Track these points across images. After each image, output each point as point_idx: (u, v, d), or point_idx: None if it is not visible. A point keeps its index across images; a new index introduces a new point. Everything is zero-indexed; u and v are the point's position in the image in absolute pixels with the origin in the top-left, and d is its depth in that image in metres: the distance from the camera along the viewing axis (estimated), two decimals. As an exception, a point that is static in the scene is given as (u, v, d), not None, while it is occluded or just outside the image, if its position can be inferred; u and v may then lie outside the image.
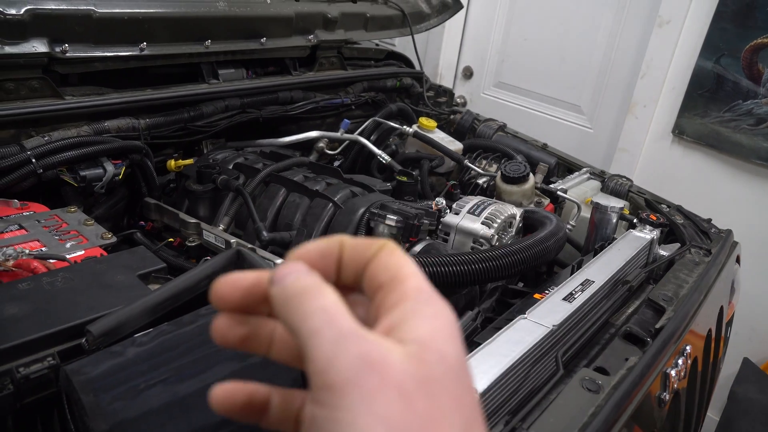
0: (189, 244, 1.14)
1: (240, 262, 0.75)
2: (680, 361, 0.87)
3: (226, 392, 0.35)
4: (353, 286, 0.35)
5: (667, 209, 1.43)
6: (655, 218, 1.23)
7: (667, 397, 0.82)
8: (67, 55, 1.12)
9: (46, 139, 1.06)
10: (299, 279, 0.31)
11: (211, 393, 0.35)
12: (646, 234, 1.18)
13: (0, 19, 1.00)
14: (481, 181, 1.43)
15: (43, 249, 0.85)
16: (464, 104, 2.02)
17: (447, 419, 0.27)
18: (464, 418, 0.27)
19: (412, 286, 0.31)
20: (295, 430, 0.35)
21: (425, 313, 0.30)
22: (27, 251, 0.80)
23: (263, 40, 1.47)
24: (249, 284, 0.34)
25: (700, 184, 2.19)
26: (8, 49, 1.03)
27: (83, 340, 0.64)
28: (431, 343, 0.28)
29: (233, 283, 0.34)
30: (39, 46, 1.07)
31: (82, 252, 0.87)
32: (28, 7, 1.03)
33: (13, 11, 1.01)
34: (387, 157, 1.46)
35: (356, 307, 0.35)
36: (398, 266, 0.32)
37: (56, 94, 1.12)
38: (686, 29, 2.13)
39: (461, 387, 0.28)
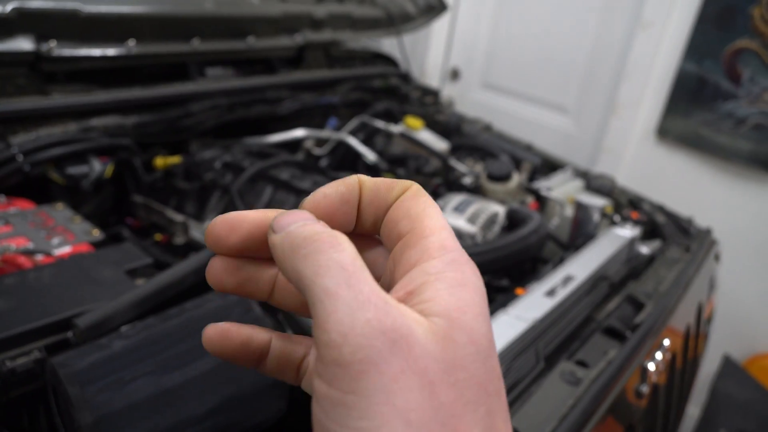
0: (176, 242, 1.14)
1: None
2: (658, 356, 0.89)
3: (220, 332, 0.31)
4: (371, 233, 0.31)
5: (649, 208, 1.45)
6: (636, 216, 1.25)
7: (646, 390, 0.84)
8: (54, 53, 1.12)
9: (32, 136, 1.06)
10: (306, 226, 0.26)
11: (204, 333, 0.31)
12: (627, 232, 1.20)
13: (-14, 17, 1.00)
14: (466, 180, 1.45)
15: (30, 245, 0.85)
16: (451, 104, 2.03)
17: (470, 412, 0.23)
18: (488, 408, 0.24)
19: (435, 242, 0.27)
20: (296, 378, 0.33)
21: (451, 280, 0.26)
22: (13, 247, 0.81)
23: (250, 39, 1.48)
24: (250, 227, 0.30)
25: (683, 184, 2.22)
26: (-6, 47, 1.03)
27: (70, 334, 0.65)
28: (460, 320, 0.24)
29: (232, 223, 0.30)
30: (25, 44, 1.07)
31: (69, 248, 0.87)
32: (15, 4, 1.03)
33: (-1, 9, 1.02)
34: (373, 157, 1.47)
35: (374, 263, 0.31)
36: (422, 215, 0.28)
37: (43, 91, 1.12)
38: (669, 32, 2.17)
39: (488, 373, 0.25)
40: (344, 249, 0.25)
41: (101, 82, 1.25)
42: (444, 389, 0.23)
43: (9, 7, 1.02)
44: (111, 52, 1.22)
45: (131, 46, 1.25)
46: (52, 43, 1.12)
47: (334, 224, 0.29)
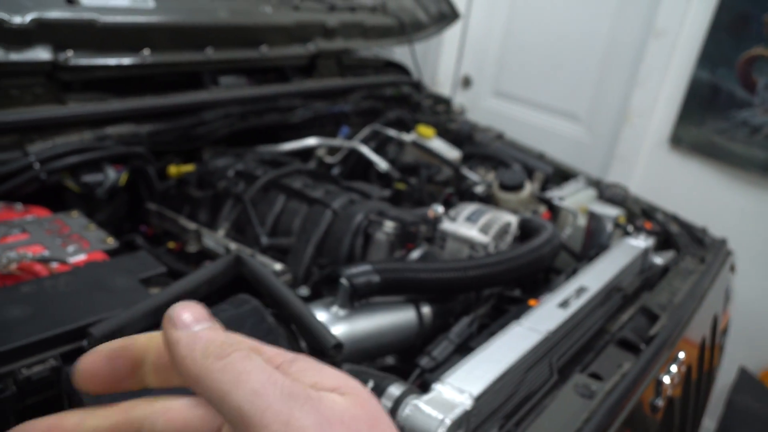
0: (189, 250, 1.15)
1: (239, 267, 0.76)
2: (674, 368, 0.88)
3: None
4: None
5: (663, 218, 1.44)
6: (650, 226, 1.24)
7: (661, 404, 0.83)
8: (71, 62, 1.14)
9: (49, 144, 1.07)
10: (213, 332, 0.28)
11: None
12: (640, 242, 1.19)
13: (5, 28, 1.02)
14: (478, 189, 1.44)
15: (46, 253, 0.86)
16: (462, 113, 2.03)
17: None
18: None
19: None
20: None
21: (317, 366, 0.29)
22: (30, 255, 0.82)
23: (263, 48, 1.49)
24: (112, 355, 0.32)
25: (697, 193, 2.20)
26: (13, 57, 1.04)
27: (85, 343, 0.65)
28: (355, 386, 0.29)
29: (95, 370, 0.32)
30: (43, 54, 1.09)
31: (85, 256, 0.88)
32: (34, 15, 1.05)
33: (18, 19, 1.03)
34: (385, 165, 1.48)
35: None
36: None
37: (59, 100, 1.14)
38: (682, 39, 2.16)
39: (389, 422, 0.29)
40: (257, 353, 0.28)
41: (116, 91, 1.26)
42: None
43: (28, 18, 1.04)
44: (126, 61, 1.23)
45: (146, 55, 1.26)
46: (69, 53, 1.13)
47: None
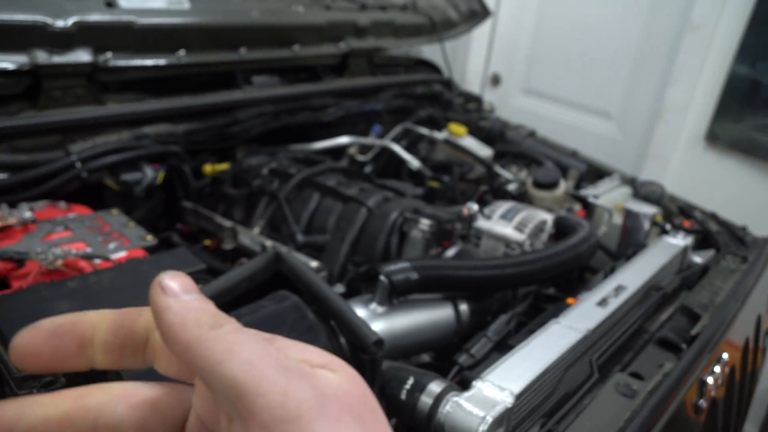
0: (225, 247, 1.16)
1: (279, 264, 0.76)
2: (717, 369, 0.86)
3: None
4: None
5: (701, 216, 1.41)
6: (688, 225, 1.21)
7: (704, 405, 0.81)
8: (110, 63, 1.16)
9: (89, 144, 1.10)
10: (205, 303, 0.28)
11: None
12: (679, 240, 1.17)
13: (49, 31, 1.04)
14: (511, 187, 1.43)
15: (88, 250, 0.88)
16: (492, 111, 2.02)
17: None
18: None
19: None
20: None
21: (300, 345, 0.29)
22: (74, 251, 0.84)
23: (295, 47, 1.50)
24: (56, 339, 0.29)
25: (735, 191, 2.15)
26: (56, 59, 1.07)
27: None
28: (343, 364, 0.28)
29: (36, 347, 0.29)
30: (84, 56, 1.11)
31: (125, 253, 0.89)
32: (75, 18, 1.07)
33: (61, 23, 1.06)
34: (417, 163, 1.47)
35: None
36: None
37: (99, 101, 1.16)
38: (719, 34, 2.10)
39: (376, 401, 0.28)
40: (237, 323, 0.27)
41: (153, 92, 1.29)
42: (370, 420, 0.26)
43: (70, 21, 1.06)
44: (162, 61, 1.25)
45: (181, 55, 1.28)
46: (108, 55, 1.16)
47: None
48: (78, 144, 1.10)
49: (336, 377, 0.27)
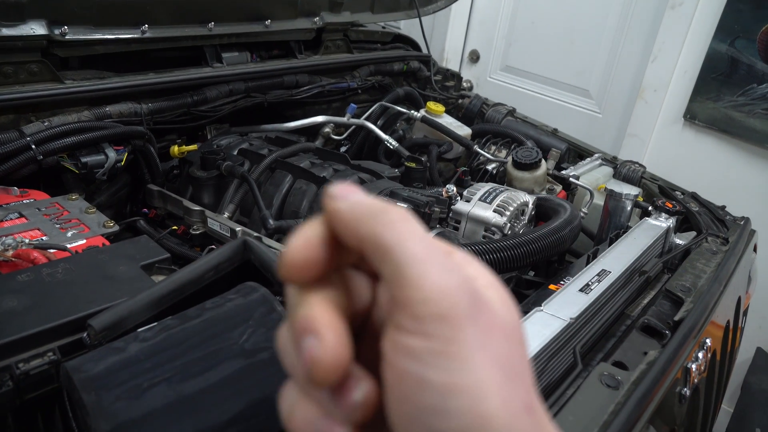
0: (193, 232, 1.11)
1: (247, 252, 0.72)
2: (700, 355, 0.85)
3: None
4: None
5: (682, 196, 1.39)
6: (670, 206, 1.19)
7: (688, 393, 0.80)
8: (67, 37, 1.09)
9: (45, 124, 1.03)
10: (370, 198, 0.27)
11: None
12: (662, 222, 1.15)
13: (-3, 0, 0.97)
14: (490, 167, 1.40)
15: (44, 238, 0.82)
16: (471, 88, 1.97)
17: (527, 368, 0.27)
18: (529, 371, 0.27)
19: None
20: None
21: (472, 260, 0.29)
22: (27, 240, 0.78)
23: (268, 22, 1.43)
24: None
25: (712, 169, 2.15)
26: (6, 32, 1.00)
27: (84, 335, 0.62)
28: (506, 295, 0.28)
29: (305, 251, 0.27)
30: (37, 29, 1.04)
31: (84, 241, 0.84)
32: (26, -13, 1.00)
33: (10, -8, 0.98)
34: (394, 143, 1.43)
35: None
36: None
37: (56, 78, 1.09)
38: (699, 11, 2.08)
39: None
40: (418, 222, 0.27)
41: (115, 68, 1.21)
42: (515, 344, 0.26)
43: (20, -10, 0.99)
44: (125, 36, 1.18)
45: (146, 29, 1.21)
46: (65, 28, 1.08)
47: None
48: (33, 124, 1.03)
49: (496, 296, 0.27)
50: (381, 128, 1.49)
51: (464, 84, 1.95)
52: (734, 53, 1.98)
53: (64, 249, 0.79)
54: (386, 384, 0.26)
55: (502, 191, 1.10)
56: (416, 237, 0.25)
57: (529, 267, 1.08)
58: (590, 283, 0.89)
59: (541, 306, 0.80)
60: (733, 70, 2.00)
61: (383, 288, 0.29)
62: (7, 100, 1.01)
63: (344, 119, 1.50)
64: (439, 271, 0.25)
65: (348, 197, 0.27)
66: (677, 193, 1.42)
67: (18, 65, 1.04)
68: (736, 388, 1.71)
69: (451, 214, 1.08)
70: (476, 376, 0.24)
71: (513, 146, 1.51)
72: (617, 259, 0.98)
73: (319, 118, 1.47)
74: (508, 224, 1.06)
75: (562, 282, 0.92)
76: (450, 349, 0.24)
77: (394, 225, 0.26)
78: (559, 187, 1.34)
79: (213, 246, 1.07)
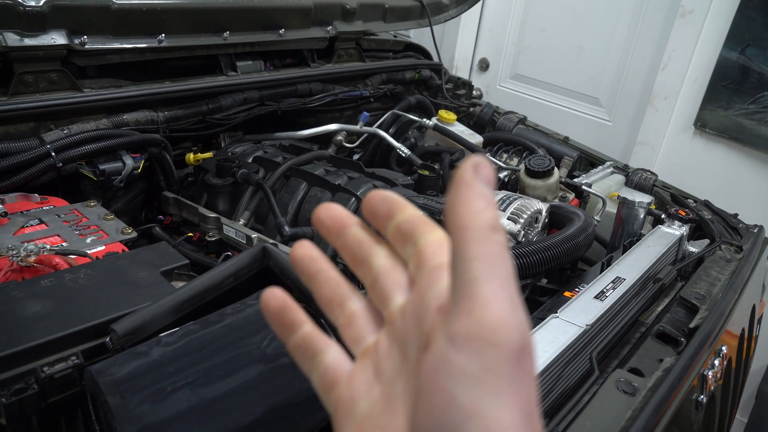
0: (209, 239, 1.12)
1: (266, 259, 0.73)
2: (716, 362, 0.85)
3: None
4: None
5: (694, 204, 1.39)
6: (684, 213, 1.19)
7: (705, 400, 0.80)
8: (86, 47, 1.10)
9: (65, 132, 1.05)
10: (490, 208, 0.27)
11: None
12: (675, 230, 1.15)
13: (20, 11, 0.98)
14: (502, 175, 1.40)
15: (64, 244, 0.83)
16: (481, 96, 1.98)
17: (539, 414, 0.27)
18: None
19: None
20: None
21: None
22: (48, 246, 0.79)
23: (282, 31, 1.44)
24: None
25: (723, 177, 2.14)
26: (27, 41, 1.01)
27: (107, 339, 0.63)
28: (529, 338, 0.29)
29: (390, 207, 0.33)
30: (58, 38, 1.06)
31: (103, 247, 0.85)
32: (47, -2, 1.02)
33: (32, 3, 1.00)
34: (406, 151, 1.44)
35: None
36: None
37: (75, 86, 1.11)
38: (710, 19, 2.08)
39: None
40: (507, 251, 0.27)
41: (132, 77, 1.23)
42: (533, 393, 0.26)
43: (42, 1, 1.01)
44: (142, 45, 1.20)
45: (162, 39, 1.22)
46: (84, 37, 1.10)
47: None
48: (53, 132, 1.04)
49: (533, 345, 0.27)
50: (393, 136, 1.50)
51: (475, 92, 1.95)
52: (745, 61, 1.98)
53: (85, 255, 0.80)
54: (419, 391, 0.27)
55: (515, 199, 1.10)
56: (505, 263, 0.26)
57: (543, 274, 1.08)
58: (605, 290, 0.89)
59: (557, 313, 0.80)
60: (744, 78, 2.00)
61: (431, 286, 0.30)
62: (28, 108, 1.02)
63: (357, 127, 1.51)
64: (509, 302, 0.25)
65: (478, 186, 0.27)
66: (690, 201, 1.42)
67: (38, 74, 1.06)
68: (750, 397, 1.70)
69: (464, 222, 1.08)
70: (501, 412, 0.24)
71: (525, 154, 1.52)
72: (631, 266, 0.98)
73: (332, 126, 1.48)
74: (522, 232, 1.06)
75: (577, 289, 0.92)
76: (488, 378, 0.25)
77: (489, 243, 0.26)
78: (571, 195, 1.34)
79: (229, 252, 1.08)
